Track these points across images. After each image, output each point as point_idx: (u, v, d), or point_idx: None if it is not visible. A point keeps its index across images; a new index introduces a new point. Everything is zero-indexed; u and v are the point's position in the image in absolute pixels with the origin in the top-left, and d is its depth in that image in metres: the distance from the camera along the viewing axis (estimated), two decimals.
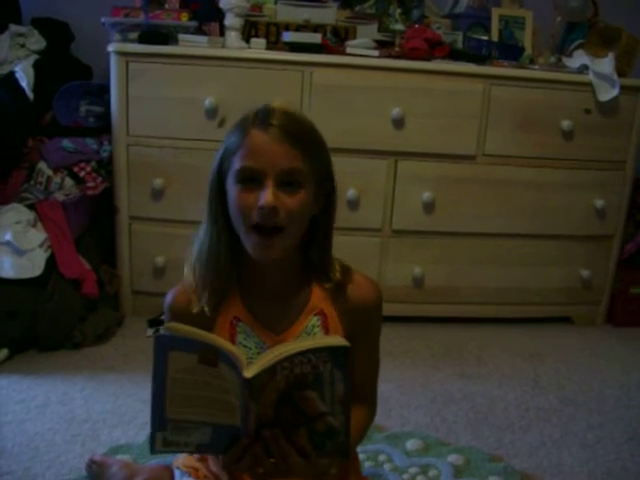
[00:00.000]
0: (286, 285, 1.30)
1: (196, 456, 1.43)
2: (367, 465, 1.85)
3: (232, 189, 1.19)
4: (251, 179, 1.17)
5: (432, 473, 1.84)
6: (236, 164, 1.18)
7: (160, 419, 1.07)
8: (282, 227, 1.17)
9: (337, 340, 1.07)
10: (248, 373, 1.01)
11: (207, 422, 1.07)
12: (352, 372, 1.11)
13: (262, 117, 1.19)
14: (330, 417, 1.07)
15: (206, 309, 1.27)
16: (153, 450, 1.09)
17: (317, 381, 1.05)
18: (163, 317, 2.67)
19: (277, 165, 1.16)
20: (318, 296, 1.31)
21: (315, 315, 1.30)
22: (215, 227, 1.25)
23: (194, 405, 1.06)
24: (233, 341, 1.28)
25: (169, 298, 1.33)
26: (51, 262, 2.47)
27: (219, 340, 1.06)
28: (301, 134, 1.20)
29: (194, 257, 1.29)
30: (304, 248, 1.28)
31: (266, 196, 1.14)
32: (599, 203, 2.85)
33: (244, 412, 1.05)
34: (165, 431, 1.07)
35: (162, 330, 1.06)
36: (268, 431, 1.07)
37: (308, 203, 1.21)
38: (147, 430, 1.91)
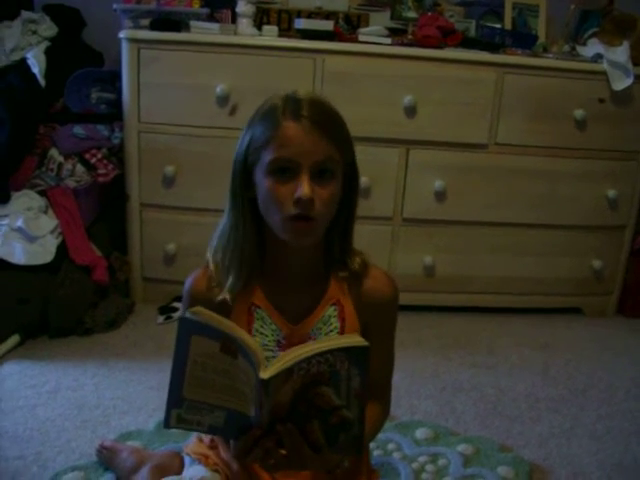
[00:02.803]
0: (306, 274, 1.31)
1: (206, 441, 1.43)
2: (376, 454, 1.85)
3: (263, 180, 1.19)
4: (285, 170, 1.17)
5: (441, 462, 1.85)
6: (268, 155, 1.17)
7: (177, 397, 1.08)
8: (316, 217, 1.18)
9: (356, 340, 1.06)
10: (265, 374, 1.01)
11: (221, 406, 1.08)
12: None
13: (292, 108, 1.18)
14: (345, 410, 1.07)
15: (227, 296, 1.27)
16: (167, 425, 1.10)
17: (333, 378, 1.05)
18: (176, 304, 2.70)
19: (311, 156, 1.16)
20: (335, 287, 1.31)
21: (332, 305, 1.30)
22: (240, 216, 1.25)
23: (211, 388, 1.07)
24: (250, 328, 1.28)
25: (189, 283, 1.34)
26: (62, 249, 2.48)
27: (242, 333, 1.06)
28: (331, 124, 1.20)
29: (217, 245, 1.30)
30: (326, 234, 1.28)
31: (303, 188, 1.14)
32: (611, 193, 2.83)
33: (257, 406, 1.05)
34: (180, 409, 1.08)
35: (187, 313, 1.05)
36: (281, 426, 1.08)
37: (338, 191, 1.22)
38: (157, 417, 1.94)
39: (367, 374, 1.06)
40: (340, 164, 1.21)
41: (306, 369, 1.03)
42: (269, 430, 1.08)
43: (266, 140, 1.18)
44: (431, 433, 1.98)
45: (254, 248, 1.27)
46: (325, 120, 1.19)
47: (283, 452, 1.10)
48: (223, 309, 1.24)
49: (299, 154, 1.16)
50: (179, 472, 1.47)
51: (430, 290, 2.87)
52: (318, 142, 1.16)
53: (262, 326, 1.29)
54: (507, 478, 1.80)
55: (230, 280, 1.27)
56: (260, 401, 1.04)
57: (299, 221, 1.17)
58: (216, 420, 1.09)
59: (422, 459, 1.85)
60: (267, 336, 1.28)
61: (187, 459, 1.45)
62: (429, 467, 1.82)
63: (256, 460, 1.12)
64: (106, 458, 1.73)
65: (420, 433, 1.98)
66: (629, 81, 2.68)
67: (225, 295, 1.27)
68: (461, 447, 1.92)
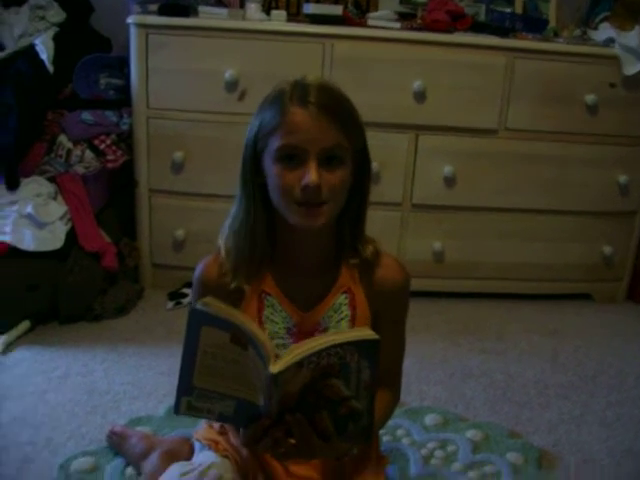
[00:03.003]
0: (317, 261, 1.30)
1: (216, 427, 1.44)
2: (385, 439, 1.85)
3: (271, 167, 1.19)
4: (292, 157, 1.16)
5: (450, 448, 1.85)
6: (276, 142, 1.17)
7: (187, 385, 1.08)
8: (325, 202, 1.18)
9: (366, 333, 1.06)
10: (274, 368, 1.01)
11: (231, 396, 1.08)
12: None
13: (300, 94, 1.17)
14: (354, 401, 1.07)
15: (237, 283, 1.27)
16: (177, 412, 1.11)
17: (343, 370, 1.05)
18: (186, 290, 2.70)
19: (319, 143, 1.15)
20: (346, 275, 1.31)
21: (343, 293, 1.30)
22: (251, 202, 1.25)
23: (221, 377, 1.07)
24: (260, 315, 1.28)
25: (199, 270, 1.33)
26: (71, 235, 2.48)
27: (252, 326, 1.06)
28: (340, 110, 1.19)
29: (229, 231, 1.29)
30: (338, 220, 1.28)
31: (310, 175, 1.14)
32: (622, 179, 2.81)
33: (267, 397, 1.05)
34: (190, 397, 1.09)
35: (198, 304, 1.05)
36: (290, 416, 1.08)
37: (348, 177, 1.22)
38: (167, 402, 1.95)
39: (377, 366, 1.06)
40: (349, 151, 1.20)
41: (316, 362, 1.03)
42: (278, 420, 1.08)
43: (274, 126, 1.17)
44: (440, 419, 1.98)
45: (265, 234, 1.27)
46: (333, 106, 1.18)
47: (292, 441, 1.10)
48: (234, 296, 1.24)
49: (306, 141, 1.15)
50: (189, 458, 1.47)
51: (439, 276, 2.87)
52: (326, 128, 1.16)
53: (272, 313, 1.29)
54: (516, 464, 1.80)
55: (242, 267, 1.27)
56: (269, 393, 1.04)
57: (306, 209, 1.18)
58: (226, 408, 1.09)
59: (431, 445, 1.85)
60: (277, 323, 1.28)
61: (197, 445, 1.46)
62: (438, 453, 1.82)
63: (265, 449, 1.12)
64: (116, 444, 1.74)
65: (429, 419, 1.98)
66: None
67: (238, 283, 1.27)
68: (470, 433, 1.92)
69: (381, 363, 1.07)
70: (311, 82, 1.20)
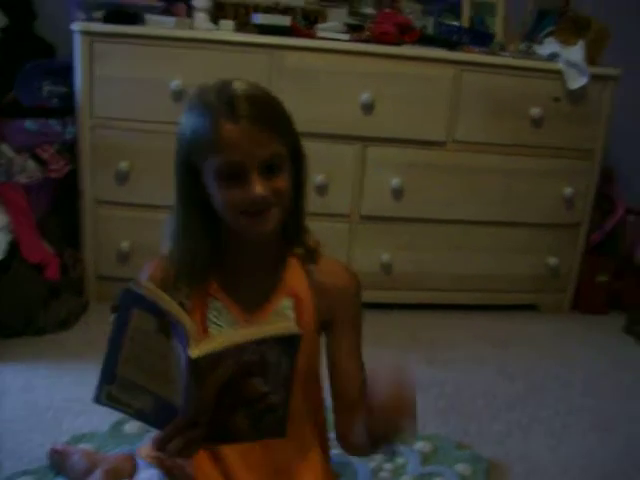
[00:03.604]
0: (262, 262, 1.29)
1: None
2: (332, 453, 1.83)
3: (213, 184, 1.17)
4: (232, 175, 1.15)
5: (399, 461, 1.84)
6: (213, 161, 1.15)
7: (110, 372, 1.06)
8: (271, 206, 1.17)
9: (289, 328, 1.05)
10: (194, 353, 0.99)
11: (151, 391, 1.06)
12: (336, 359, 1.22)
13: (229, 108, 1.14)
14: (271, 396, 1.06)
15: (180, 285, 1.25)
16: (97, 400, 1.08)
17: (263, 367, 1.04)
18: None
19: (256, 156, 1.14)
20: (293, 277, 1.29)
21: (288, 297, 1.28)
22: (188, 213, 1.23)
23: (144, 370, 1.05)
24: (204, 318, 1.26)
25: (144, 274, 1.30)
26: (13, 246, 2.41)
27: (178, 310, 1.03)
28: (271, 118, 1.17)
29: (171, 245, 1.27)
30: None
31: (254, 189, 1.13)
32: (567, 191, 2.86)
33: (185, 394, 1.03)
34: (111, 385, 1.07)
35: (132, 285, 1.04)
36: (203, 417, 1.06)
37: (289, 179, 1.21)
38: (111, 419, 1.90)
39: (296, 360, 1.04)
40: (286, 154, 1.19)
41: (237, 356, 1.02)
42: (192, 423, 1.06)
43: (207, 143, 1.15)
44: None
45: (206, 244, 1.24)
46: (264, 116, 1.16)
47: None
48: (177, 298, 1.22)
49: (243, 157, 1.13)
50: (132, 476, 1.43)
51: (388, 287, 2.87)
52: (261, 141, 1.14)
53: (216, 316, 1.27)
54: (465, 475, 1.80)
55: (184, 273, 1.25)
56: (188, 387, 1.02)
57: (253, 216, 1.17)
58: (144, 404, 1.07)
59: (380, 458, 1.84)
60: (222, 326, 1.26)
61: (141, 462, 1.42)
62: (387, 466, 1.81)
63: (176, 450, 1.08)
64: (57, 462, 1.69)
65: None
66: (584, 80, 2.71)
67: (180, 285, 1.24)
68: (419, 445, 1.91)
69: (343, 366, 1.09)
70: (238, 92, 1.16)
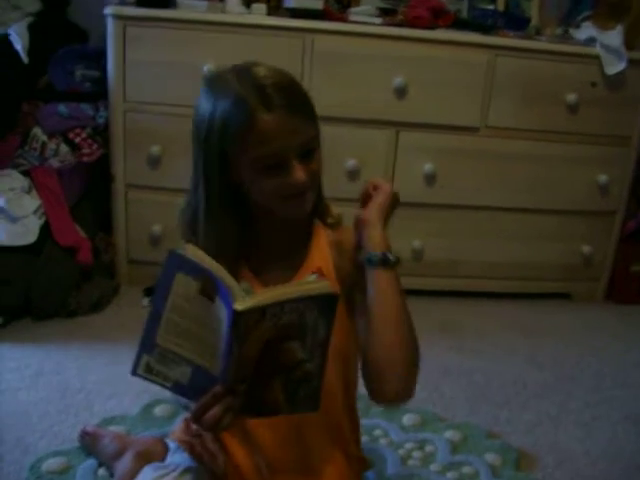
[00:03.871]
0: (291, 242, 1.30)
1: (193, 429, 1.41)
2: (363, 440, 1.83)
3: (252, 175, 1.18)
4: (272, 165, 1.16)
5: (428, 449, 1.83)
6: (251, 152, 1.15)
7: (150, 341, 1.06)
8: (309, 189, 1.21)
9: (327, 288, 1.06)
10: (239, 305, 1.00)
11: (190, 360, 1.06)
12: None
13: (262, 99, 1.13)
14: (307, 364, 1.07)
15: None
16: (135, 371, 1.08)
17: (301, 330, 1.05)
18: None
19: (294, 143, 1.16)
20: (319, 253, 1.30)
21: (312, 274, 1.28)
22: (216, 198, 1.22)
23: (183, 338, 1.06)
24: None
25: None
26: (45, 229, 2.44)
27: (222, 272, 1.04)
28: (302, 103, 1.19)
29: (189, 228, 1.27)
30: None
31: (296, 176, 1.16)
32: (602, 178, 2.81)
33: (225, 360, 1.03)
34: (151, 355, 1.07)
35: (177, 249, 1.06)
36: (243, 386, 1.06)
37: (320, 157, 1.23)
38: (141, 401, 1.91)
39: (333, 324, 1.06)
40: (318, 134, 1.21)
41: (278, 316, 1.02)
42: (231, 390, 1.06)
43: (243, 135, 1.15)
44: (418, 419, 1.96)
45: (236, 231, 1.25)
46: (296, 103, 1.17)
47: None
48: None
49: (282, 146, 1.15)
50: (163, 458, 1.44)
51: (418, 274, 2.85)
52: (296, 129, 1.15)
53: (244, 297, 1.27)
54: (495, 465, 1.78)
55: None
56: (229, 349, 1.02)
57: (295, 199, 1.20)
58: (182, 376, 1.07)
59: (409, 445, 1.84)
60: None
61: (172, 445, 1.43)
62: (416, 454, 1.81)
63: (212, 422, 1.07)
64: (88, 444, 1.70)
65: (407, 419, 1.96)
66: (622, 65, 2.66)
67: None
68: (449, 433, 1.90)
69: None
70: (267, 80, 1.16)
